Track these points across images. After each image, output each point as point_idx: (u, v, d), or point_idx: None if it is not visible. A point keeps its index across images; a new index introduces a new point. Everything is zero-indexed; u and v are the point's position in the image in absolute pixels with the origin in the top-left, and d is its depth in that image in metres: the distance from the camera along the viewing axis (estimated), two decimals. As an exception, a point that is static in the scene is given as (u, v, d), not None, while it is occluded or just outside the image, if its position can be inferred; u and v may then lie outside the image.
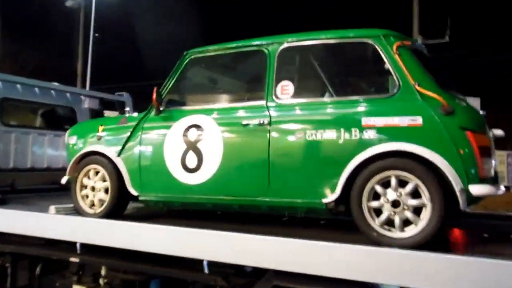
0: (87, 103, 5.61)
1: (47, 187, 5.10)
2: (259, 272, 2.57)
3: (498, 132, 2.92)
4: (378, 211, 2.56)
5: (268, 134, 2.85)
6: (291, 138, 2.79)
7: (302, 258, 2.33)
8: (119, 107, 5.95)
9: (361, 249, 2.27)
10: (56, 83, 5.47)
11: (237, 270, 2.69)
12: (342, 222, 3.07)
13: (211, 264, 2.66)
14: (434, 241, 2.41)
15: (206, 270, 2.63)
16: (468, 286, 2.03)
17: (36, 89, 5.19)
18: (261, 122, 2.88)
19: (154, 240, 2.81)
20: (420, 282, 2.13)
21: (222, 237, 2.59)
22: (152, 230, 2.84)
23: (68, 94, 5.52)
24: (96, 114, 5.73)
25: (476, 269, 2.03)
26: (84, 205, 3.51)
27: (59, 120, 5.53)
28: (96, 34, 17.24)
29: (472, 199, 2.47)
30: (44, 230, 3.34)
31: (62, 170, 3.89)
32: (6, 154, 4.84)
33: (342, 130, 2.65)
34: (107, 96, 5.89)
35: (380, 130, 2.57)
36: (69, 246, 3.29)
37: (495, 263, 2.01)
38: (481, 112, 2.97)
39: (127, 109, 4.85)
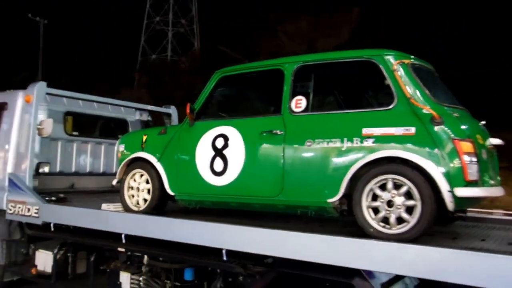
0: (138, 115, 6.29)
1: (103, 189, 5.78)
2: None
3: (496, 140, 3.16)
4: (376, 210, 2.90)
5: (283, 143, 3.27)
6: (302, 146, 3.19)
7: (303, 248, 2.73)
8: (166, 118, 6.58)
9: (357, 241, 2.64)
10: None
11: (255, 259, 3.12)
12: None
13: (231, 253, 3.11)
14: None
15: (225, 258, 3.08)
16: (445, 274, 2.35)
17: (95, 104, 5.93)
18: (278, 132, 3.31)
19: (185, 231, 3.31)
20: (407, 269, 2.47)
21: (241, 230, 3.05)
22: (182, 223, 3.34)
23: (122, 108, 6.23)
24: (146, 125, 6.41)
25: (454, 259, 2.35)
26: (130, 204, 4.09)
27: (114, 130, 6.24)
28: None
29: (462, 201, 2.74)
30: (96, 223, 3.96)
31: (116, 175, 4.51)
32: (68, 160, 5.59)
33: (346, 139, 3.02)
34: (155, 109, 6.55)
35: (378, 138, 2.92)
36: (118, 238, 3.87)
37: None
38: (481, 123, 3.23)
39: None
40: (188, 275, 3.84)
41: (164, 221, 3.52)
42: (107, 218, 3.96)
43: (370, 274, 2.66)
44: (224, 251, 3.10)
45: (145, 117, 6.45)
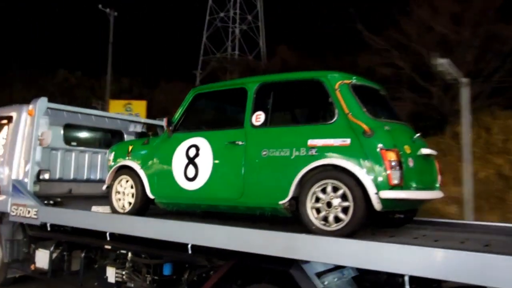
0: (132, 127, 6.84)
1: (98, 195, 6.29)
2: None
3: (427, 150, 3.62)
4: (318, 210, 3.35)
5: (243, 152, 3.76)
6: (259, 155, 3.67)
7: (252, 242, 3.21)
8: (160, 130, 7.11)
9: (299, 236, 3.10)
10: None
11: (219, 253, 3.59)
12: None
13: (198, 249, 3.59)
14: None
15: (190, 251, 3.56)
16: (369, 263, 2.81)
17: (93, 117, 6.49)
18: (239, 143, 3.80)
19: (157, 229, 3.81)
20: (337, 259, 2.94)
21: (202, 227, 3.54)
22: (155, 222, 3.85)
23: (118, 121, 6.79)
24: (140, 135, 6.95)
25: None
26: (117, 206, 4.59)
27: (110, 141, 6.79)
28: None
29: (387, 202, 3.18)
30: (86, 223, 4.48)
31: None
32: (67, 168, 6.14)
33: (294, 149, 3.49)
34: (149, 121, 7.10)
35: (320, 149, 3.39)
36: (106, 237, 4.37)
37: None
38: (416, 135, 3.69)
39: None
40: (167, 270, 4.32)
41: (141, 221, 4.04)
42: (95, 218, 4.48)
43: (306, 264, 3.12)
44: (189, 246, 3.58)
45: (139, 128, 6.99)
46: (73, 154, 6.27)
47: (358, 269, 3.36)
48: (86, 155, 6.42)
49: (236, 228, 3.36)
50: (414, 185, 3.38)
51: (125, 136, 6.84)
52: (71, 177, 6.23)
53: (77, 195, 6.04)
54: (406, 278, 2.68)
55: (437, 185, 3.92)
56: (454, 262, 2.54)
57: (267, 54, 30.69)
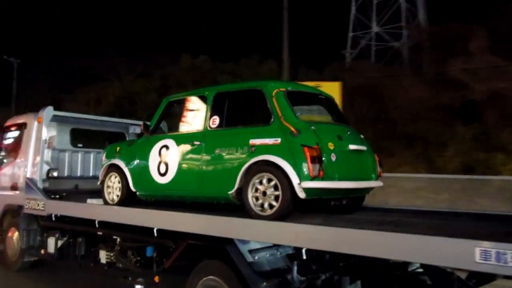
0: (132, 129, 7.66)
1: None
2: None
3: (354, 146, 4.20)
4: (257, 198, 4.01)
5: (202, 151, 4.46)
6: (213, 153, 4.36)
7: (198, 225, 3.92)
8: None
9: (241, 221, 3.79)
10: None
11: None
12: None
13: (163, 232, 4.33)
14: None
15: (155, 234, 4.31)
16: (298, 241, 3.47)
17: (97, 122, 7.36)
18: (199, 143, 4.51)
19: (132, 216, 4.58)
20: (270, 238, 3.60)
21: (164, 213, 4.28)
22: (139, 212, 4.62)
23: (120, 124, 7.63)
24: (138, 136, 7.74)
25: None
26: (108, 199, 5.38)
27: (114, 142, 7.61)
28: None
29: (309, 191, 3.80)
30: (82, 213, 5.32)
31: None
32: (74, 167, 7.03)
33: (239, 147, 4.16)
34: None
35: (258, 147, 4.04)
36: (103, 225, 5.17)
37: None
38: (348, 133, 4.28)
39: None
40: (149, 252, 5.08)
41: (122, 210, 4.84)
42: (88, 208, 5.31)
43: (242, 242, 3.79)
44: (155, 229, 4.33)
45: (138, 130, 7.80)
46: (79, 155, 7.15)
47: (295, 248, 4.00)
48: (91, 155, 7.28)
49: (187, 214, 4.08)
50: (337, 176, 3.97)
51: (127, 137, 7.66)
52: (78, 174, 7.11)
53: (83, 190, 6.91)
54: (302, 251, 3.34)
55: (374, 175, 4.51)
56: (343, 238, 3.18)
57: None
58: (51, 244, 6.09)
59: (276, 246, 3.97)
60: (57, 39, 44.58)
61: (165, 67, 24.17)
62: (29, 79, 29.50)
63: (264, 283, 3.56)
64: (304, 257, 3.50)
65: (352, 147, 4.20)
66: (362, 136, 4.71)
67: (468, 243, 2.48)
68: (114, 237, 5.35)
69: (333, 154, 3.98)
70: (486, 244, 2.40)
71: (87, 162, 7.24)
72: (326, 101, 4.68)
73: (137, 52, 27.68)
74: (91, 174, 7.29)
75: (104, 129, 7.51)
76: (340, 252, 3.29)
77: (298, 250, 3.71)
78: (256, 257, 3.79)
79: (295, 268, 3.66)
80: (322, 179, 3.84)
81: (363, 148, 4.36)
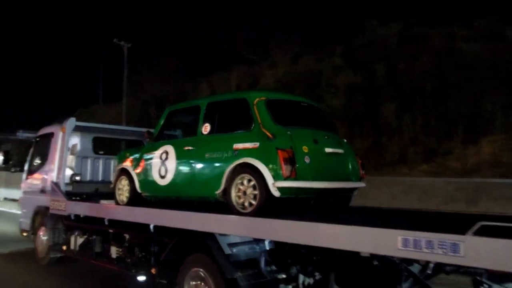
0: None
1: None
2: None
3: (329, 149, 4.53)
4: (239, 197, 4.42)
5: (195, 155, 4.93)
6: (203, 157, 4.82)
7: (185, 221, 4.38)
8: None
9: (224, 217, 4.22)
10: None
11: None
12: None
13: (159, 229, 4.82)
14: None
15: (152, 230, 4.80)
16: (274, 235, 3.86)
17: (117, 130, 8.02)
18: (191, 148, 4.98)
19: (134, 215, 5.11)
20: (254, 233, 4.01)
21: (159, 211, 4.77)
22: (130, 209, 5.15)
23: (137, 132, 8.26)
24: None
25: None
26: (119, 200, 5.96)
27: None
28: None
29: (283, 190, 4.16)
30: (96, 213, 5.92)
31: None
32: (96, 172, 7.71)
33: (224, 151, 4.60)
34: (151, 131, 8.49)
35: (240, 150, 4.46)
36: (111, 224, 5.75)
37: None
38: (325, 137, 4.63)
39: None
40: (149, 247, 5.58)
41: (127, 209, 5.38)
42: (101, 208, 5.90)
43: (223, 236, 4.21)
44: (151, 226, 4.84)
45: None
46: (101, 161, 7.82)
47: (275, 243, 4.36)
48: (112, 161, 7.94)
49: (175, 211, 4.56)
50: (310, 177, 4.31)
51: (144, 144, 8.28)
52: (100, 179, 7.78)
53: (103, 193, 7.55)
54: (266, 243, 3.72)
55: (354, 177, 4.81)
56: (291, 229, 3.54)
57: None
58: (73, 241, 6.74)
59: (256, 240, 4.36)
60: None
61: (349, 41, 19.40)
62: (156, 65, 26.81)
63: (239, 273, 3.96)
64: (268, 247, 3.91)
65: (328, 150, 4.54)
66: (345, 141, 5.03)
67: (392, 232, 2.79)
68: (124, 235, 5.91)
69: (307, 157, 4.33)
70: (406, 233, 2.70)
71: (108, 168, 7.90)
72: (309, 108, 5.04)
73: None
74: (111, 178, 7.93)
75: (122, 137, 8.16)
76: (287, 242, 3.69)
77: (277, 244, 4.09)
78: (234, 250, 4.19)
79: (263, 259, 4.02)
80: (296, 179, 4.20)
81: (340, 151, 4.67)
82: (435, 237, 2.56)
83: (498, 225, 2.45)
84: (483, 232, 2.45)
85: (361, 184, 4.90)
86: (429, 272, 3.42)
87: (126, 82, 25.59)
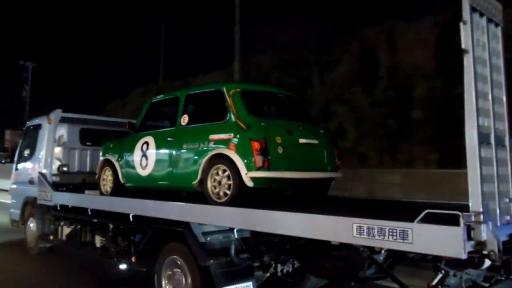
0: None
1: None
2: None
3: (304, 140, 4.61)
4: (214, 187, 4.51)
5: (173, 146, 5.01)
6: (181, 148, 4.90)
7: (163, 211, 4.48)
8: None
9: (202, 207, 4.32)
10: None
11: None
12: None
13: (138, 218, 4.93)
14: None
15: (131, 220, 4.91)
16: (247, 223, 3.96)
17: (103, 122, 8.10)
18: (171, 139, 5.06)
19: (114, 204, 5.21)
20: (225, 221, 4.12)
21: (136, 201, 4.87)
22: (111, 199, 5.26)
23: (123, 123, 8.32)
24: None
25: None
26: (103, 190, 6.06)
27: None
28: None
29: (256, 180, 4.25)
30: (80, 203, 6.03)
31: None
32: (83, 163, 7.80)
33: (201, 142, 4.68)
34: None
35: (216, 141, 4.54)
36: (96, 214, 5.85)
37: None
38: (299, 128, 4.71)
39: None
40: (138, 237, 5.71)
41: (107, 199, 5.48)
42: (84, 199, 6.01)
43: (198, 225, 4.31)
44: (131, 215, 4.94)
45: None
46: (88, 152, 7.91)
47: (251, 232, 4.46)
48: (100, 152, 8.01)
49: (151, 201, 4.66)
50: (283, 167, 4.40)
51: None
52: (87, 170, 7.87)
53: (90, 183, 7.65)
54: (234, 231, 3.83)
55: (330, 167, 4.90)
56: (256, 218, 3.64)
57: None
58: (60, 231, 6.87)
59: (232, 229, 4.45)
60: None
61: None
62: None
63: (211, 261, 4.07)
64: (236, 236, 4.08)
65: (302, 140, 4.61)
66: (321, 131, 5.11)
67: (348, 220, 2.89)
68: (108, 225, 6.02)
69: (280, 147, 4.41)
70: (361, 221, 2.79)
71: (95, 159, 7.97)
72: (286, 100, 5.11)
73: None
74: (99, 169, 8.02)
75: (109, 128, 8.22)
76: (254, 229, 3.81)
77: (252, 233, 4.19)
78: (208, 238, 4.30)
79: (233, 247, 4.13)
80: (268, 169, 4.29)
81: (314, 141, 4.75)
82: (386, 224, 2.65)
83: (443, 212, 2.53)
84: (430, 220, 2.54)
85: (337, 174, 4.99)
86: (391, 259, 3.54)
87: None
